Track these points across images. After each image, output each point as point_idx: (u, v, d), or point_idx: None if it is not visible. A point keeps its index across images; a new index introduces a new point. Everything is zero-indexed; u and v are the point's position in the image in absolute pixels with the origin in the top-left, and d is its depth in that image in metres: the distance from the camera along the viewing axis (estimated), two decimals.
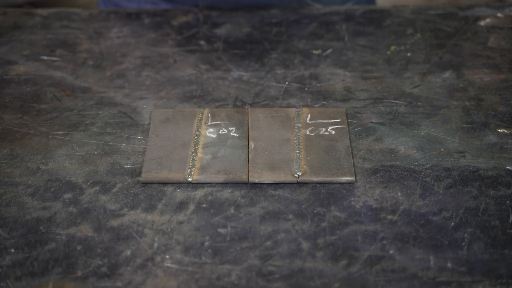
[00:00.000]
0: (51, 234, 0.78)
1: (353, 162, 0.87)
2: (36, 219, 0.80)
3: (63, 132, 0.94)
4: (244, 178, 0.85)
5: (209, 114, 0.95)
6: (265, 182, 0.84)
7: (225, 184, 0.85)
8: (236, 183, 0.85)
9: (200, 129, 0.93)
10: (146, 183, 0.85)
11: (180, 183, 0.85)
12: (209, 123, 0.93)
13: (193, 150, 0.89)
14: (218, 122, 0.94)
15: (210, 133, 0.92)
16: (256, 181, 0.85)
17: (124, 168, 0.87)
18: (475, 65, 1.05)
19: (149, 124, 0.95)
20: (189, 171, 0.86)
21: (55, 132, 0.94)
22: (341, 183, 0.84)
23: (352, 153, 0.88)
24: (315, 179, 0.84)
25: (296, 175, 0.85)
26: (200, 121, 0.94)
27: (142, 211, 0.81)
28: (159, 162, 0.87)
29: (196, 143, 0.90)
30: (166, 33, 1.14)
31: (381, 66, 1.06)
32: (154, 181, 0.85)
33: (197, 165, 0.87)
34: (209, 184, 0.85)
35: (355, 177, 0.85)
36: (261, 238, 0.78)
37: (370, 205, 0.81)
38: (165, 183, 0.85)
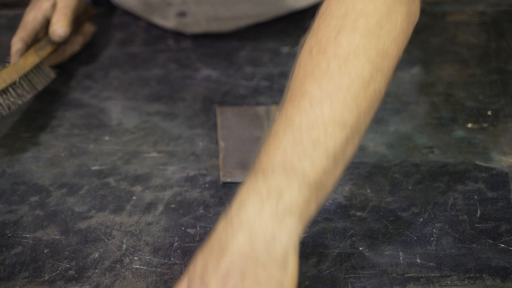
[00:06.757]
0: (18, 238, 0.77)
1: None
2: (2, 223, 0.79)
3: (29, 134, 0.92)
4: None
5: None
6: (238, 181, 0.84)
7: (193, 184, 0.84)
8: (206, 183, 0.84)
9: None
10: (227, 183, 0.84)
11: None
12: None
13: None
14: None
15: None
16: (229, 180, 0.84)
17: (91, 170, 0.87)
18: (443, 61, 1.05)
19: (117, 125, 0.94)
20: None
21: (21, 135, 0.92)
22: None
23: None
24: None
25: None
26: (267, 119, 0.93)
27: (110, 213, 0.81)
28: (238, 161, 0.86)
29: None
30: (134, 33, 1.13)
31: None
32: (236, 180, 0.84)
33: None
34: (177, 184, 0.84)
35: None
36: None
37: (339, 202, 0.81)
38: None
